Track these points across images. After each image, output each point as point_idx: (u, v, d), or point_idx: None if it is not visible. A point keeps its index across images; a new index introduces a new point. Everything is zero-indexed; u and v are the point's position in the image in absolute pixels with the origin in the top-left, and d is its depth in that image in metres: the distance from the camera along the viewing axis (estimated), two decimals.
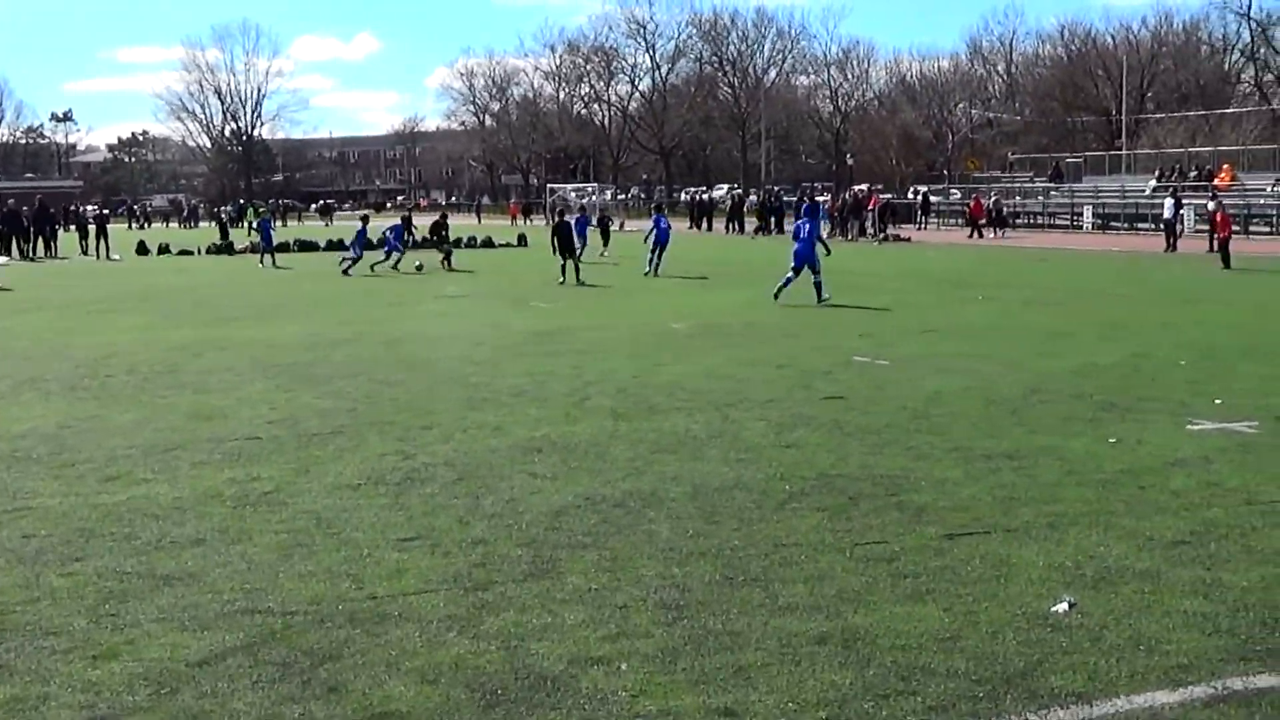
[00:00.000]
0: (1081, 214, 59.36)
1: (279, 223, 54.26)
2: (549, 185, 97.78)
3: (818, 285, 24.37)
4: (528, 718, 5.51)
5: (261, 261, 41.43)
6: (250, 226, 64.02)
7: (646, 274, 32.89)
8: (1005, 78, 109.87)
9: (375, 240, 38.86)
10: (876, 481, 9.57)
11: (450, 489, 9.56)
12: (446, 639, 6.42)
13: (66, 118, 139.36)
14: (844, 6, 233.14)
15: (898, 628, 6.44)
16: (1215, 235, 35.44)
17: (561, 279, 30.59)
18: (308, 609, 6.89)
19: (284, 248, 44.96)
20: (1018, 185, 69.56)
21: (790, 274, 24.62)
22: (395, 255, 36.90)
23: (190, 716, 5.55)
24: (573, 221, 33.79)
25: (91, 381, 15.42)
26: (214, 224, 68.06)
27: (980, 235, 54.35)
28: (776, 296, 24.33)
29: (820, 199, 59.26)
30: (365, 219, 40.19)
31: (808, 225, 25.43)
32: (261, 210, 61.47)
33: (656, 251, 33.47)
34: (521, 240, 54.28)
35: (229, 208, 71.91)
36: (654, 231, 33.98)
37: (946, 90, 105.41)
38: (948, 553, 7.73)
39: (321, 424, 12.31)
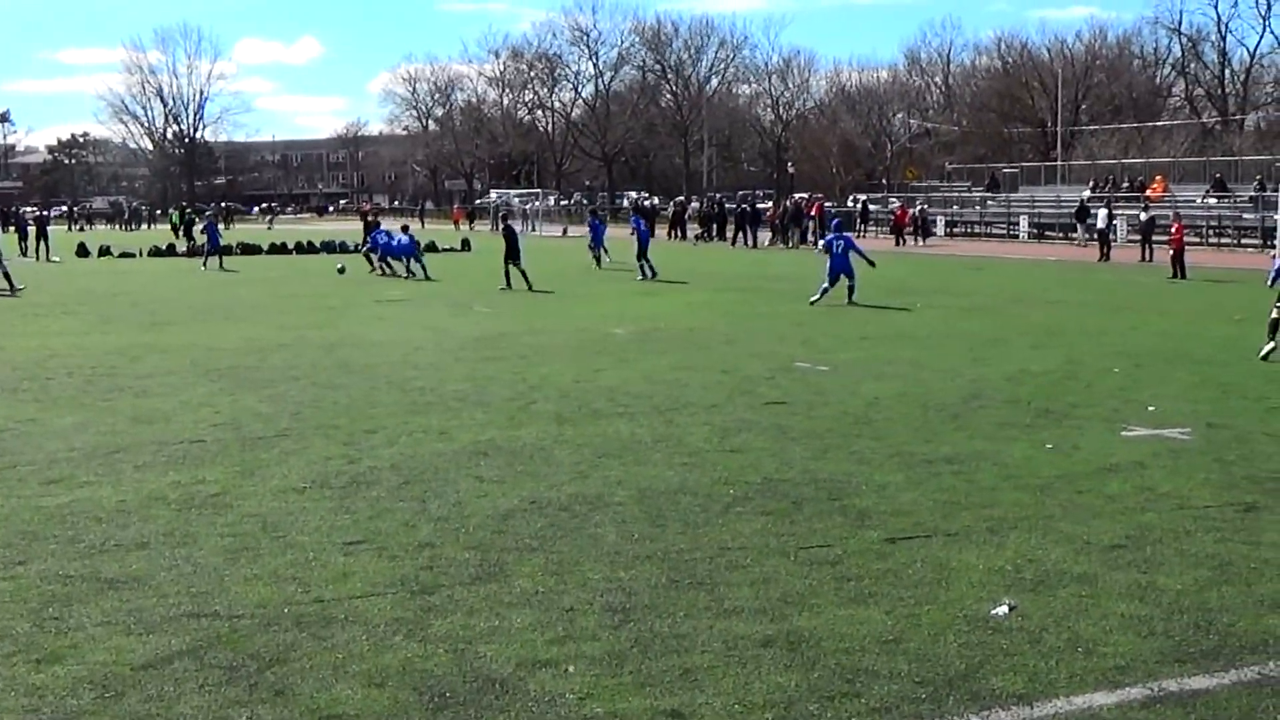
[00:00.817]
0: (1018, 223, 59.95)
1: (222, 226, 53.44)
2: (493, 190, 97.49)
3: (851, 289, 25.85)
4: None
5: (205, 264, 41.02)
6: (179, 230, 63.54)
7: (641, 279, 33.06)
8: (943, 89, 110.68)
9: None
10: (819, 486, 9.64)
11: (396, 493, 9.53)
12: (394, 642, 6.40)
13: (4, 119, 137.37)
14: (785, 16, 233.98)
15: (841, 630, 6.50)
16: (1163, 245, 35.95)
17: (505, 285, 30.51)
18: (254, 612, 6.85)
19: (227, 250, 44.52)
20: (955, 194, 70.13)
21: (826, 284, 25.79)
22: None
23: None
24: (517, 227, 33.83)
25: (30, 384, 15.23)
26: (168, 227, 67.63)
27: (902, 243, 54.88)
28: (813, 303, 25.28)
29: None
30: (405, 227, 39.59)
31: (842, 241, 26.58)
32: (208, 213, 60.75)
33: (642, 253, 34.08)
34: (465, 245, 54.06)
35: (188, 209, 71.31)
36: (635, 234, 35.16)
37: (885, 100, 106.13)
38: (890, 556, 7.80)
39: (265, 427, 12.22)
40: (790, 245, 54.42)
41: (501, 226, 33.99)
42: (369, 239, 38.68)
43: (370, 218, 42.46)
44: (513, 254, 30.91)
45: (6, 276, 30.90)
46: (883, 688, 5.78)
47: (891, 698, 5.67)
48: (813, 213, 56.98)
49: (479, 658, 6.18)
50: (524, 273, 30.75)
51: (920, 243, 55.75)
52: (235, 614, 6.83)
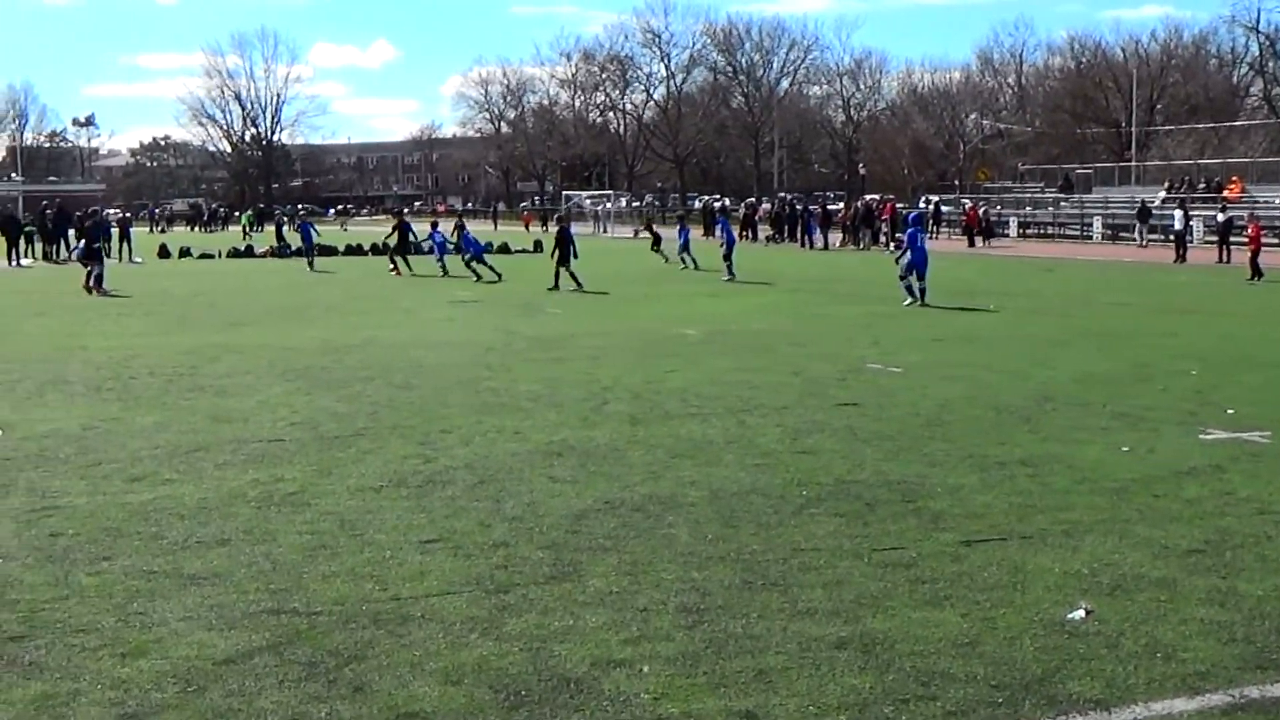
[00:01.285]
0: (1091, 224, 59.30)
1: (290, 228, 53.97)
2: (564, 192, 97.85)
3: (922, 291, 25.59)
4: (550, 718, 5.53)
5: (311, 265, 41.35)
6: (248, 231, 64.36)
7: (727, 280, 33.15)
8: (1015, 89, 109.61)
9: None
10: (892, 488, 9.58)
11: (471, 492, 9.59)
12: (470, 640, 6.44)
13: (89, 122, 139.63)
14: (857, 18, 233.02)
15: (916, 633, 6.45)
16: (1241, 247, 35.39)
17: (554, 286, 30.67)
18: (332, 609, 6.92)
19: (298, 252, 44.98)
20: (1028, 195, 69.48)
21: (917, 283, 25.72)
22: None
23: (218, 714, 5.58)
24: (589, 229, 34.17)
25: (114, 383, 15.47)
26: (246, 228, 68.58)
27: (975, 244, 54.52)
28: (911, 305, 25.16)
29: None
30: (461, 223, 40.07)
31: (919, 235, 26.66)
32: (300, 214, 61.33)
33: (728, 254, 34.28)
34: (537, 247, 54.25)
35: (283, 211, 72.13)
36: (723, 236, 35.77)
37: (957, 101, 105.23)
38: (964, 559, 7.74)
39: (341, 427, 12.34)
40: (861, 247, 54.16)
41: (557, 228, 34.03)
42: (430, 239, 39.24)
43: (400, 218, 42.52)
44: (565, 256, 31.03)
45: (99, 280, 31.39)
46: (958, 691, 5.73)
47: (967, 701, 5.63)
48: (885, 214, 56.70)
49: (554, 657, 6.21)
50: (574, 274, 30.83)
51: (986, 243, 55.30)
52: (314, 610, 6.90)
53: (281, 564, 7.78)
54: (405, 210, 47.25)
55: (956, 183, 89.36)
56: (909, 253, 26.11)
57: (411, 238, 39.97)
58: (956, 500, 9.20)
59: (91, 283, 31.44)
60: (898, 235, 33.27)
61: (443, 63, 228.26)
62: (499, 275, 34.75)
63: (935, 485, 9.66)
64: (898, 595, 7.07)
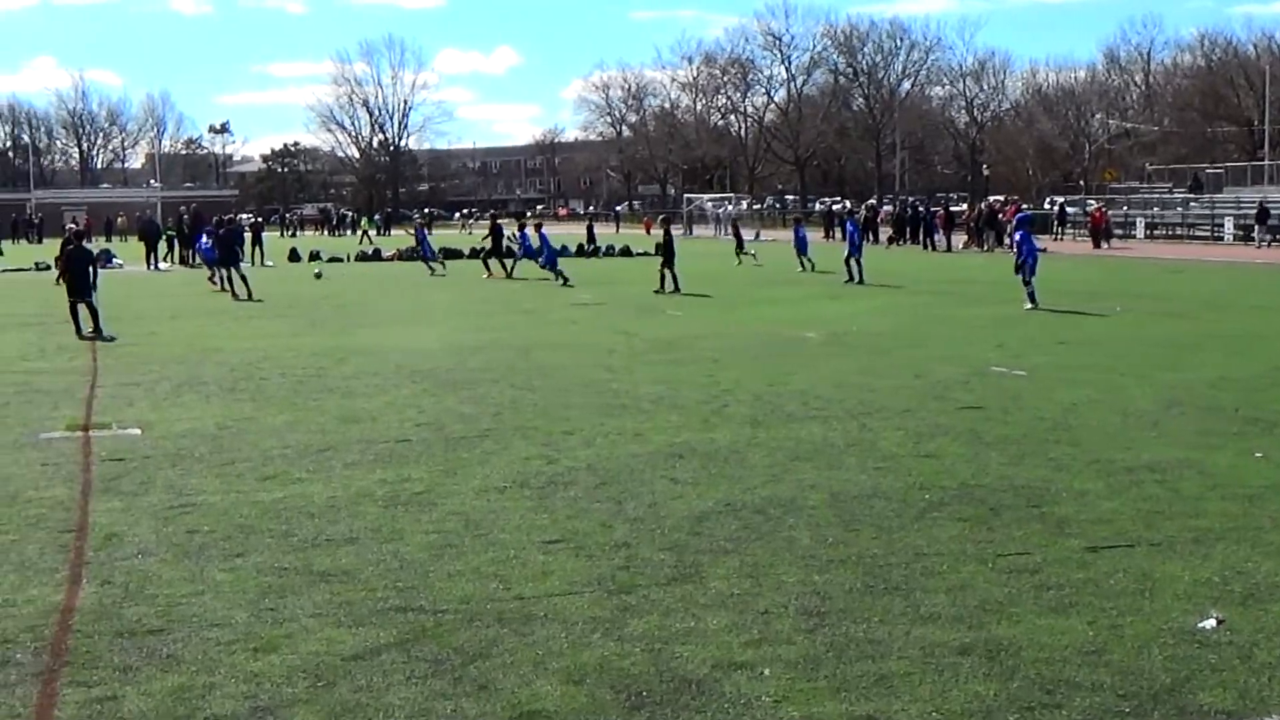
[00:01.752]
0: (1222, 225, 57.83)
1: (428, 232, 54.51)
2: (686, 195, 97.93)
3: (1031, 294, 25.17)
4: None
5: (432, 269, 41.77)
6: (364, 235, 65.61)
7: (848, 283, 32.77)
8: (1143, 88, 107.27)
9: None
10: (1017, 492, 9.44)
11: (593, 493, 9.64)
12: (591, 640, 6.47)
13: (223, 129, 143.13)
14: (980, 17, 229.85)
15: (1041, 640, 6.35)
16: None
17: (659, 288, 30.59)
18: (458, 607, 7.00)
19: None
20: (1156, 196, 67.96)
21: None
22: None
23: (346, 709, 5.67)
24: (709, 232, 33.92)
25: (246, 384, 15.81)
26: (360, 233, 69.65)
27: (1098, 246, 53.62)
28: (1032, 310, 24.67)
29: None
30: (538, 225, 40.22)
31: (1027, 236, 26.38)
32: (417, 220, 62.01)
33: (855, 259, 33.64)
34: (658, 249, 54.40)
35: (419, 215, 73.17)
36: (847, 238, 34.87)
37: (1083, 100, 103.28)
38: (1091, 565, 7.60)
39: (466, 428, 12.48)
40: (985, 249, 53.43)
41: (662, 231, 33.84)
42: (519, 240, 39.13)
43: (493, 221, 42.14)
44: (669, 258, 30.98)
45: (244, 281, 31.95)
46: (1084, 700, 5.62)
47: (1094, 710, 5.52)
48: (1008, 216, 55.86)
49: (675, 658, 6.21)
50: (675, 276, 30.77)
51: (1106, 245, 54.29)
52: (440, 609, 6.98)
53: (408, 562, 7.89)
54: (496, 214, 47.28)
55: (1082, 183, 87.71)
56: (1020, 255, 25.74)
57: (505, 242, 39.95)
58: (1083, 505, 9.03)
59: (228, 285, 32.16)
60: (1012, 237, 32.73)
61: (564, 67, 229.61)
62: (567, 280, 34.95)
63: (1061, 490, 9.49)
64: (1022, 601, 6.96)
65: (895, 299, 28.61)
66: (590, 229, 60.51)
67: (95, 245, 50.05)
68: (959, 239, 56.56)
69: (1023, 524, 8.57)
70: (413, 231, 47.66)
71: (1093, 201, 66.72)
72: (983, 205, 60.40)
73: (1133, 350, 18.16)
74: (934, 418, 12.68)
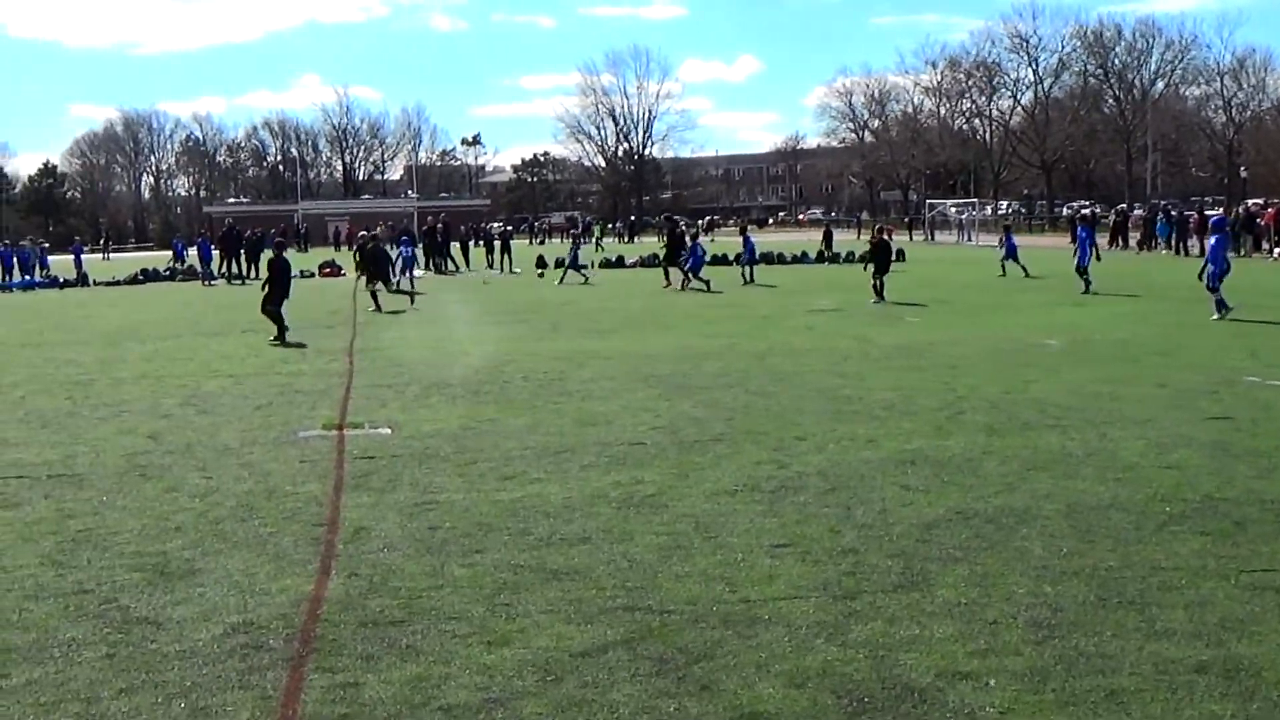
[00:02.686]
0: None
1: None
2: (928, 200, 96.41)
3: (1219, 302, 23.70)
4: None
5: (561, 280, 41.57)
6: (597, 243, 66.62)
7: (1084, 292, 31.38)
8: None
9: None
10: (1265, 506, 9.00)
11: (822, 498, 9.59)
12: (815, 645, 6.45)
13: (476, 141, 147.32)
14: (1240, 13, 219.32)
15: None
16: None
17: (878, 299, 29.55)
18: (684, 608, 7.06)
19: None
20: None
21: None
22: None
23: (573, 704, 5.78)
24: (952, 239, 32.87)
25: (490, 387, 16.24)
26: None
27: None
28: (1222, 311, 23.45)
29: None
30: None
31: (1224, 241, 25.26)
32: (575, 233, 61.85)
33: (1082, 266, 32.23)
34: (900, 255, 53.74)
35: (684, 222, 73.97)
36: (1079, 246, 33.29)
37: None
38: None
39: (699, 432, 12.56)
40: (1242, 253, 51.06)
41: (875, 238, 33.00)
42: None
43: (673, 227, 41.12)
44: (882, 266, 30.43)
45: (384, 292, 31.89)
46: None
47: None
48: (1268, 220, 53.27)
49: (898, 665, 6.14)
50: (881, 284, 30.00)
51: None
52: (666, 609, 7.06)
53: (638, 563, 7.99)
54: (676, 217, 46.69)
55: None
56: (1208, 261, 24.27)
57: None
58: None
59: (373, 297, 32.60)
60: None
61: (805, 75, 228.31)
62: (707, 285, 35.04)
63: None
64: (1266, 620, 6.64)
65: (1142, 306, 27.61)
66: (828, 234, 60.04)
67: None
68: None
69: (1270, 539, 8.17)
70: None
71: None
72: (1239, 209, 57.60)
73: None
74: (1178, 428, 12.18)
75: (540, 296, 35.61)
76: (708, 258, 38.59)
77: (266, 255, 33.96)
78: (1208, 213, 56.38)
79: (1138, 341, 20.20)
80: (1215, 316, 23.31)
